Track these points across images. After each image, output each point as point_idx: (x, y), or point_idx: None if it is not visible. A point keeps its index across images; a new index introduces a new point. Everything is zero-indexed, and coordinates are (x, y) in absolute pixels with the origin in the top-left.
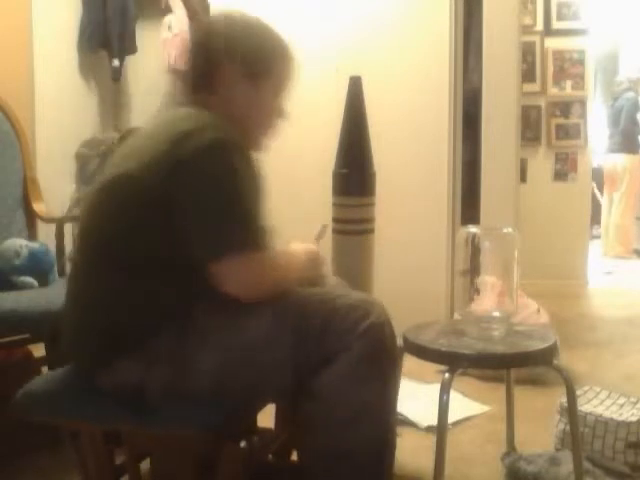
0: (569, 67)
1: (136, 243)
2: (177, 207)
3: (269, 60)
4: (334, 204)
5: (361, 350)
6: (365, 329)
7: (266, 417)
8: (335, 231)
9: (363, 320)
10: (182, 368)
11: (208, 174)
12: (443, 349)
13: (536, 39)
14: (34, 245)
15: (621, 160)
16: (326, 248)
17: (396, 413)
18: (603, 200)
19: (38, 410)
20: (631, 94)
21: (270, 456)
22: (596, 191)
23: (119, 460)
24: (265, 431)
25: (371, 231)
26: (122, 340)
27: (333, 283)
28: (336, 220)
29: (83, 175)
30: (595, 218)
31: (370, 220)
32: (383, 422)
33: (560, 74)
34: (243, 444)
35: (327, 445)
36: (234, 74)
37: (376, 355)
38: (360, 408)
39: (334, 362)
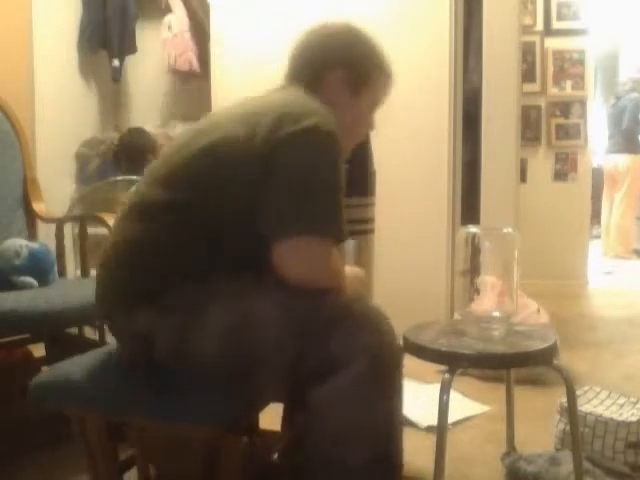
0: (569, 67)
1: (208, 201)
2: (270, 177)
3: (371, 71)
4: None
5: (365, 364)
6: (371, 342)
7: (272, 419)
8: None
9: (372, 332)
10: (189, 326)
11: (311, 155)
12: (443, 349)
13: (536, 39)
14: (34, 245)
15: (623, 160)
16: None
17: (401, 430)
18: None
19: (50, 400)
20: (635, 94)
21: (276, 456)
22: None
23: (123, 456)
24: (269, 432)
25: (371, 231)
26: (145, 286)
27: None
28: None
29: (83, 175)
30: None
31: (370, 220)
32: (384, 437)
33: (560, 74)
34: (244, 440)
35: (325, 457)
36: (338, 81)
37: (380, 371)
38: (360, 424)
39: (338, 373)
